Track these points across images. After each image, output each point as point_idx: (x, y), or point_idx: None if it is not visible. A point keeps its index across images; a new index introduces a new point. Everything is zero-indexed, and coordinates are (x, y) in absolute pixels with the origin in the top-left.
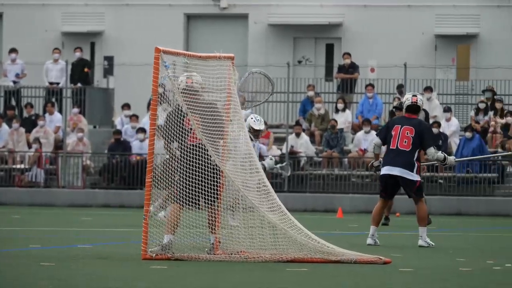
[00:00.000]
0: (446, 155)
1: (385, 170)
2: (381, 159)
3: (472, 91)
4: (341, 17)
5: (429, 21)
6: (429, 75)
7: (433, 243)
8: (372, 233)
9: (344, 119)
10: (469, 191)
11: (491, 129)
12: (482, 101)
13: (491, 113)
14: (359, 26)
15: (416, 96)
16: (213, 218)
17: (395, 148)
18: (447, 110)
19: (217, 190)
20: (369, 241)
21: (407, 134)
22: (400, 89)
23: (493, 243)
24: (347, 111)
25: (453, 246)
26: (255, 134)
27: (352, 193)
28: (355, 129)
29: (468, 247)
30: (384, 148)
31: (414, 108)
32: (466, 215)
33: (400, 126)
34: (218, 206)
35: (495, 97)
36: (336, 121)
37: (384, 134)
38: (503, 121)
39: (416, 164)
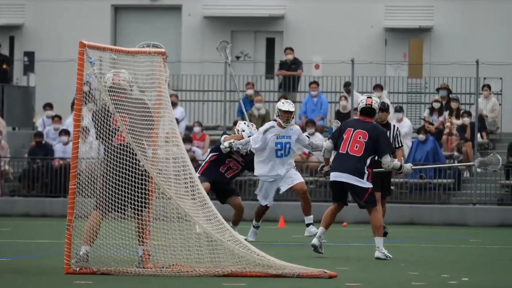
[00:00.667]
0: (402, 162)
1: (333, 177)
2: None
3: (426, 90)
4: (282, 9)
5: (378, 13)
6: (378, 72)
7: (390, 256)
8: (320, 234)
9: None
10: (423, 199)
11: (446, 130)
12: (436, 100)
13: (446, 113)
14: (302, 19)
15: (371, 98)
16: (142, 229)
17: (344, 152)
18: (398, 110)
19: (146, 197)
20: (315, 241)
21: (359, 138)
22: (347, 87)
23: (448, 255)
24: None
25: (405, 258)
26: (284, 117)
27: (296, 201)
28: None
29: (421, 259)
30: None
31: (368, 111)
32: (420, 224)
33: (352, 129)
34: (147, 215)
35: (450, 96)
36: None
37: (336, 138)
38: (459, 122)
39: (367, 172)
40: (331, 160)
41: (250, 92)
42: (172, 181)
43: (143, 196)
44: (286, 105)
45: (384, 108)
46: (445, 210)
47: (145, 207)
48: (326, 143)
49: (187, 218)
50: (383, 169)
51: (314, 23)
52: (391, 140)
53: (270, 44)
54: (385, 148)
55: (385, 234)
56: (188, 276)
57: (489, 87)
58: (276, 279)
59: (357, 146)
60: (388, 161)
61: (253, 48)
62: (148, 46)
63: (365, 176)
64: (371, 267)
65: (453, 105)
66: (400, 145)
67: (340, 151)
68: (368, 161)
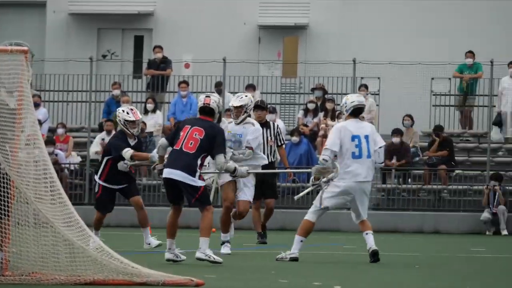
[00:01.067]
0: (237, 165)
1: (165, 173)
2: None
3: (300, 90)
4: (152, 5)
5: (251, 10)
6: (251, 71)
7: (216, 257)
8: (169, 246)
9: (154, 122)
10: (295, 203)
11: (321, 132)
12: (311, 101)
13: (321, 114)
14: (172, 16)
15: (209, 97)
16: (3, 234)
17: (178, 149)
18: (272, 111)
19: (6, 201)
20: (168, 255)
21: (195, 135)
22: (219, 87)
23: (321, 262)
24: (158, 112)
25: (275, 265)
26: (235, 111)
27: (162, 206)
28: (167, 133)
29: (292, 266)
30: None
31: (207, 110)
32: (291, 230)
33: (190, 126)
34: (8, 220)
35: (325, 96)
36: (145, 124)
37: (173, 135)
38: (335, 123)
39: (199, 170)
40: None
41: (116, 92)
42: (31, 185)
43: (4, 200)
44: (233, 99)
45: (263, 106)
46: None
47: (5, 212)
48: (162, 139)
49: (47, 224)
50: (209, 171)
51: (184, 20)
52: (273, 139)
53: (138, 42)
54: (220, 148)
55: (265, 243)
56: (48, 284)
57: (366, 87)
58: (140, 287)
59: (191, 143)
60: (221, 162)
61: (120, 46)
62: (10, 45)
63: (197, 174)
64: (240, 274)
65: (329, 105)
66: (282, 142)
67: (174, 147)
68: (200, 158)
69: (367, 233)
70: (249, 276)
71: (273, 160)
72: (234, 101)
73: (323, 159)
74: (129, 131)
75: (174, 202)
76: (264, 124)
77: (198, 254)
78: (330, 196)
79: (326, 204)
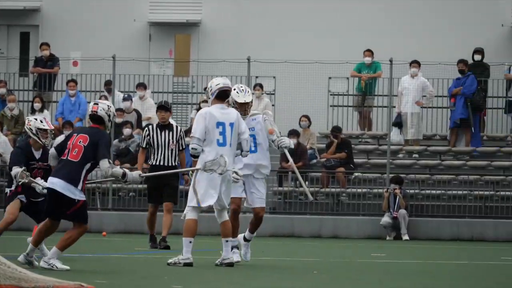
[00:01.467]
0: (127, 170)
1: (48, 182)
2: None
3: (193, 89)
4: (38, 1)
5: (142, 6)
6: (142, 70)
7: (61, 266)
8: (28, 251)
9: None
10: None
11: None
12: (204, 101)
13: None
14: (59, 12)
15: (97, 104)
16: None
17: (65, 158)
18: None
19: None
20: (21, 258)
21: (79, 143)
22: (108, 86)
23: (215, 268)
24: (46, 111)
25: (167, 271)
26: (241, 109)
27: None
28: (55, 133)
29: (187, 271)
30: None
31: (95, 118)
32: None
33: (76, 134)
34: None
35: None
36: None
37: (62, 144)
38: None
39: (82, 180)
40: None
41: (2, 91)
42: None
43: None
44: (241, 95)
45: (167, 107)
46: (212, 219)
47: None
48: (52, 150)
49: None
50: (99, 180)
51: (72, 16)
52: (174, 142)
53: (25, 39)
54: (103, 153)
55: (166, 248)
56: None
57: (261, 86)
58: None
59: (76, 150)
60: (106, 167)
61: (5, 43)
62: None
63: (80, 185)
64: (132, 280)
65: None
66: (183, 147)
67: (61, 157)
68: (86, 168)
69: (227, 241)
70: (141, 282)
71: (174, 164)
72: (243, 97)
73: (193, 148)
74: (41, 141)
75: (52, 216)
76: (167, 127)
77: (42, 263)
78: (204, 192)
79: (209, 202)
